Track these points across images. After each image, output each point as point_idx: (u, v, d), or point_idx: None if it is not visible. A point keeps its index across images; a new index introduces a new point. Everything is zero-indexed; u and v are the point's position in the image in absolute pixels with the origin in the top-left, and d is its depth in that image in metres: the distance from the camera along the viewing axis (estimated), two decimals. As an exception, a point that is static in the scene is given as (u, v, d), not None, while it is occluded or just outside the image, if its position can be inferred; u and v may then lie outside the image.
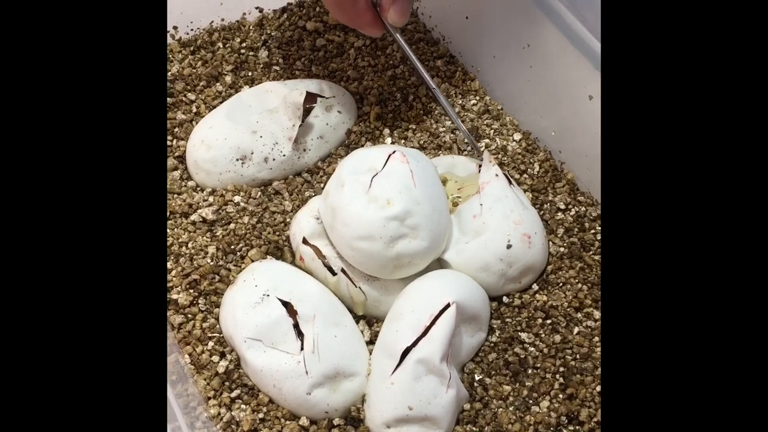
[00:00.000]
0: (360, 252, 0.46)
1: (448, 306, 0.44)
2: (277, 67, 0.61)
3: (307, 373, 0.44)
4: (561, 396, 0.46)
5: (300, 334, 0.45)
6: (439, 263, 0.50)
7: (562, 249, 0.51)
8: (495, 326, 0.48)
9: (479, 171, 0.53)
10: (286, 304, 0.45)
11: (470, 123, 0.58)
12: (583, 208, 0.53)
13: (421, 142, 0.57)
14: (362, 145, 0.57)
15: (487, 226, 0.49)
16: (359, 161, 0.49)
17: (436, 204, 0.48)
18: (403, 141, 0.57)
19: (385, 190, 0.47)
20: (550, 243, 0.51)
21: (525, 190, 0.54)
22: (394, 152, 0.49)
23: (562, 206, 0.53)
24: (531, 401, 0.46)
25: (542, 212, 0.52)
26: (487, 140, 0.57)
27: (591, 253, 0.51)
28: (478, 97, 0.60)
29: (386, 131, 0.58)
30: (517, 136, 0.57)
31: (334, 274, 0.49)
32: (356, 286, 0.48)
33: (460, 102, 0.60)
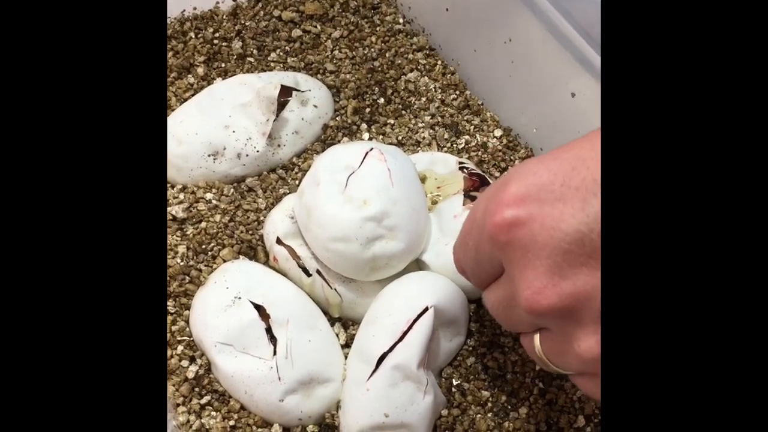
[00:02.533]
0: (335, 253, 0.45)
1: (426, 310, 0.43)
2: (251, 59, 0.59)
3: (279, 379, 0.42)
4: (540, 402, 0.45)
5: (273, 339, 0.43)
6: (418, 265, 0.48)
7: (542, 250, 0.50)
8: (474, 329, 0.47)
9: (459, 168, 0.51)
10: (259, 308, 0.44)
11: (450, 118, 0.57)
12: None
13: (400, 137, 0.55)
14: (339, 141, 0.55)
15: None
16: (335, 159, 0.47)
17: (414, 204, 0.47)
18: (381, 137, 0.55)
19: (361, 189, 0.45)
20: (531, 243, 0.50)
21: (505, 189, 0.53)
22: (371, 150, 0.47)
23: (543, 206, 0.52)
24: (510, 407, 0.45)
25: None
26: (467, 137, 0.55)
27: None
28: (458, 92, 0.59)
29: (363, 126, 0.56)
30: (498, 133, 0.56)
31: (309, 275, 0.47)
32: (332, 288, 0.47)
33: (440, 96, 0.58)
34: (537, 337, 0.34)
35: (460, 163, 0.52)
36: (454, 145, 0.55)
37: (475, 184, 0.51)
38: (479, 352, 0.46)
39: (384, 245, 0.45)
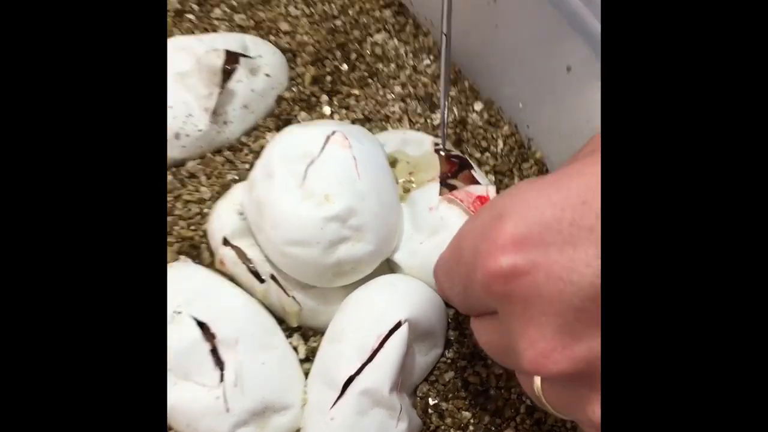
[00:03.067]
0: (293, 258, 0.38)
1: (398, 325, 0.37)
2: (192, 16, 0.51)
3: (228, 410, 0.36)
4: (528, 422, 0.39)
5: (219, 363, 0.37)
6: (388, 265, 0.42)
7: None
8: (452, 338, 0.42)
9: (435, 150, 0.45)
10: (202, 325, 0.37)
11: (423, 89, 0.49)
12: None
13: (366, 112, 0.48)
14: (295, 116, 0.47)
15: (446, 222, 0.41)
16: (291, 145, 0.40)
17: (384, 198, 0.40)
18: (344, 110, 0.48)
19: (323, 182, 0.38)
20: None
21: (487, 172, 0.46)
22: (333, 133, 0.40)
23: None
24: (494, 428, 0.39)
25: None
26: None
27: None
28: (432, 57, 0.51)
29: (324, 98, 0.48)
30: (478, 106, 0.49)
31: (261, 281, 0.40)
32: (289, 296, 0.40)
33: (411, 63, 0.51)
34: (538, 381, 0.28)
35: (436, 144, 0.45)
36: (429, 121, 0.48)
37: (454, 168, 0.45)
38: (459, 365, 0.41)
39: (350, 248, 0.38)
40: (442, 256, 0.33)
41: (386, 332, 0.37)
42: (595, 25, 0.39)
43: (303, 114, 0.47)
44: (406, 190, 0.45)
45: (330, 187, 0.38)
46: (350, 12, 0.52)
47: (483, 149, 0.47)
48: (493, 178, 0.46)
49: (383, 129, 0.48)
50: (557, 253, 0.23)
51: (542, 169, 0.47)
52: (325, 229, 0.37)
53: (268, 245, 0.39)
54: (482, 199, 0.42)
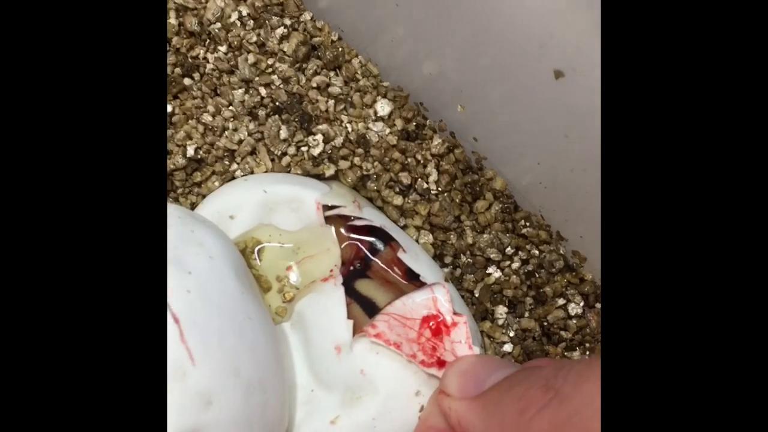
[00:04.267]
0: None
1: None
2: None
3: None
4: None
5: None
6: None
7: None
8: None
9: (326, 217, 0.25)
10: None
11: (296, 86, 0.28)
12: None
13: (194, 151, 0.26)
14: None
15: (371, 379, 0.22)
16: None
17: (247, 368, 0.21)
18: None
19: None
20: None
21: (419, 232, 0.27)
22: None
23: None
24: None
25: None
26: (324, 125, 0.28)
27: None
28: (299, 24, 0.29)
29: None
30: (384, 108, 0.28)
31: None
32: None
33: (278, 37, 0.29)
34: None
35: (328, 208, 0.25)
36: (306, 150, 0.27)
37: (362, 249, 0.25)
38: None
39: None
40: None
41: None
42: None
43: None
44: (287, 300, 0.25)
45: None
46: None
47: (404, 188, 0.28)
48: (431, 247, 0.27)
49: (223, 179, 0.27)
50: None
51: (508, 206, 0.28)
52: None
53: None
54: (435, 326, 0.23)
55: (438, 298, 0.23)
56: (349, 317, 0.23)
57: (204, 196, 0.27)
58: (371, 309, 0.24)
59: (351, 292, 0.24)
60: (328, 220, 0.25)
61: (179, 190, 0.27)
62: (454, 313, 0.23)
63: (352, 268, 0.25)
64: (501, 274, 0.27)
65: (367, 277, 0.25)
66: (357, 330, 0.23)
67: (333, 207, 0.25)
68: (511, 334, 0.27)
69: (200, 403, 0.20)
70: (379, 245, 0.25)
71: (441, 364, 0.22)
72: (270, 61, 0.28)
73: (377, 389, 0.22)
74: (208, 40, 0.28)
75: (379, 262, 0.25)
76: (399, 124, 0.28)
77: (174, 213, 0.23)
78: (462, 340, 0.22)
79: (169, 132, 0.28)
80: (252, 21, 0.28)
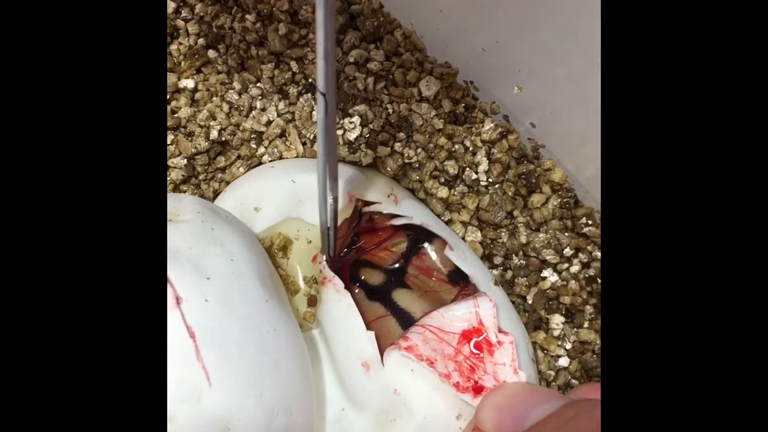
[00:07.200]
0: None
1: None
2: None
3: None
4: None
5: None
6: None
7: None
8: None
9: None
10: None
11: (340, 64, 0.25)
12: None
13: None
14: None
15: (406, 399, 0.20)
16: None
17: (272, 393, 0.18)
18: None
19: None
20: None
21: (465, 228, 0.24)
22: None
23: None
24: None
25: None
26: (362, 105, 0.25)
27: None
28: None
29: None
30: (430, 87, 0.25)
31: None
32: None
33: None
34: None
35: (364, 203, 0.23)
36: (338, 135, 0.24)
37: (398, 253, 0.22)
38: None
39: None
40: None
41: None
42: None
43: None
44: (311, 305, 0.22)
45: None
46: None
47: (450, 178, 0.25)
48: (479, 246, 0.24)
49: (249, 164, 0.24)
50: None
51: (568, 201, 0.25)
52: None
53: None
54: (476, 344, 0.20)
55: (482, 312, 0.20)
56: (384, 331, 0.21)
57: (228, 183, 0.25)
58: (408, 324, 0.21)
59: (388, 304, 0.21)
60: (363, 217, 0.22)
61: (201, 176, 0.25)
62: (500, 331, 0.20)
63: (392, 266, 0.22)
64: (558, 278, 0.24)
65: (406, 287, 0.22)
66: (389, 345, 0.20)
67: (368, 203, 0.22)
68: (568, 346, 0.24)
69: (217, 430, 0.17)
70: (421, 244, 0.22)
71: (478, 390, 0.19)
72: (303, 32, 0.25)
73: (413, 411, 0.20)
74: (235, 8, 0.26)
75: (420, 264, 0.22)
76: (446, 105, 0.25)
77: (191, 207, 0.20)
78: (507, 363, 0.19)
79: (191, 111, 0.25)
80: (284, -14, 0.25)
